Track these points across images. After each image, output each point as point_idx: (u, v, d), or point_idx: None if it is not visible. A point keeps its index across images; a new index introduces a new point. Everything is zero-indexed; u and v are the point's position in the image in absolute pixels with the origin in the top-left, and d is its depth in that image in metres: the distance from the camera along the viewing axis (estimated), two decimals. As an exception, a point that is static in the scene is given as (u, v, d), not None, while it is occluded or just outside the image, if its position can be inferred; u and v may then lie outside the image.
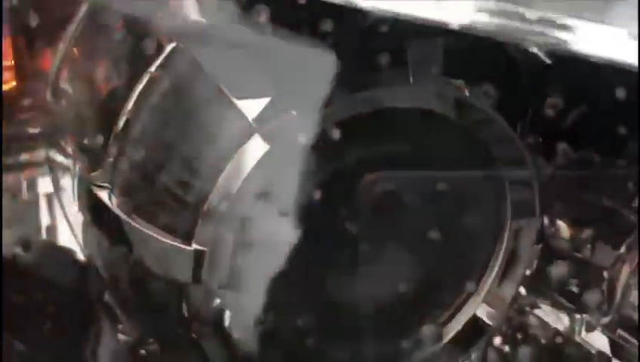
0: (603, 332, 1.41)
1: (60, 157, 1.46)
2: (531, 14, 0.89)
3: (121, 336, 1.45)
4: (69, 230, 1.47)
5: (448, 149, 1.26)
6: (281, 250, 1.18)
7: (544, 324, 1.55)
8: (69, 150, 1.41)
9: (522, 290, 1.58)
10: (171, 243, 1.11)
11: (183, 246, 1.11)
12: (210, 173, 1.09)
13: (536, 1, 0.90)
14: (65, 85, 1.35)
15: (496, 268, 1.39)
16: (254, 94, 1.09)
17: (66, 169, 1.45)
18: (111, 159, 1.19)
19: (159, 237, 1.12)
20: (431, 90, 1.15)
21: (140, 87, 1.16)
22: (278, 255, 1.17)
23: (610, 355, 1.40)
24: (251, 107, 1.09)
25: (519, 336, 1.60)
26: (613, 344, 1.40)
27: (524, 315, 1.59)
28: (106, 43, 1.25)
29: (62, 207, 1.47)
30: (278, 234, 1.16)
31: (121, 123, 1.18)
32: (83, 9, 1.26)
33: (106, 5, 1.23)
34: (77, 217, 1.45)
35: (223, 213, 1.09)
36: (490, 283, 1.39)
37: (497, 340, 1.61)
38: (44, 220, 1.50)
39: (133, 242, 1.17)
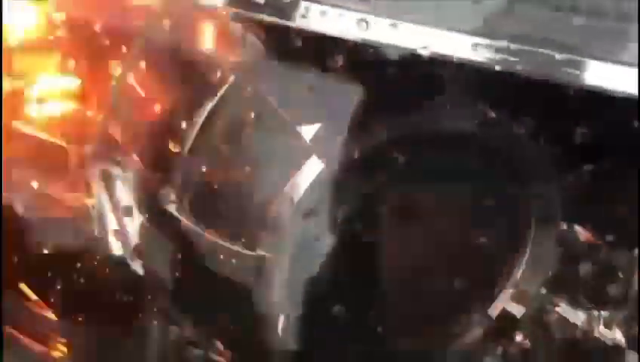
0: (619, 326, 1.54)
1: (116, 171, 1.59)
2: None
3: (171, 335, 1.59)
4: (121, 241, 1.60)
5: (478, 162, 1.42)
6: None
7: (563, 320, 1.69)
8: (129, 164, 1.54)
9: (543, 289, 1.73)
10: (237, 249, 1.26)
11: (247, 252, 1.25)
12: (272, 188, 1.24)
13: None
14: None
15: (522, 268, 1.53)
16: (308, 120, 1.24)
17: (123, 181, 1.59)
18: (179, 178, 1.34)
19: (226, 245, 1.27)
20: (466, 113, 1.30)
21: (205, 113, 1.31)
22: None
23: (625, 347, 1.54)
24: (307, 131, 1.24)
25: (540, 332, 1.74)
26: (628, 337, 1.53)
27: (545, 312, 1.73)
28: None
29: (118, 218, 1.60)
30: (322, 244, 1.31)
31: (187, 145, 1.33)
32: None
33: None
34: (132, 227, 1.58)
35: (284, 224, 1.24)
36: (518, 281, 1.54)
37: (519, 337, 1.76)
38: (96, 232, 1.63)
39: (199, 248, 1.32)
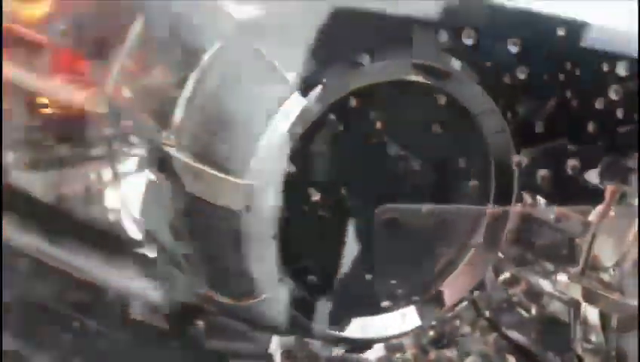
0: (574, 281, 1.68)
1: (123, 147, 1.76)
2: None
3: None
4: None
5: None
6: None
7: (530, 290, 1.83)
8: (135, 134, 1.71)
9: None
10: (226, 178, 1.43)
11: (235, 180, 1.42)
12: (258, 127, 1.42)
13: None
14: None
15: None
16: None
17: (128, 156, 1.76)
18: (177, 122, 1.51)
19: (216, 174, 1.44)
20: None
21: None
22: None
23: (583, 301, 1.67)
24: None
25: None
26: (585, 292, 1.67)
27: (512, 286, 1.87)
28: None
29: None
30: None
31: (186, 93, 1.51)
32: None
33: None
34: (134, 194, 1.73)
35: (271, 155, 1.42)
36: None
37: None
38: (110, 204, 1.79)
39: (194, 183, 1.48)
